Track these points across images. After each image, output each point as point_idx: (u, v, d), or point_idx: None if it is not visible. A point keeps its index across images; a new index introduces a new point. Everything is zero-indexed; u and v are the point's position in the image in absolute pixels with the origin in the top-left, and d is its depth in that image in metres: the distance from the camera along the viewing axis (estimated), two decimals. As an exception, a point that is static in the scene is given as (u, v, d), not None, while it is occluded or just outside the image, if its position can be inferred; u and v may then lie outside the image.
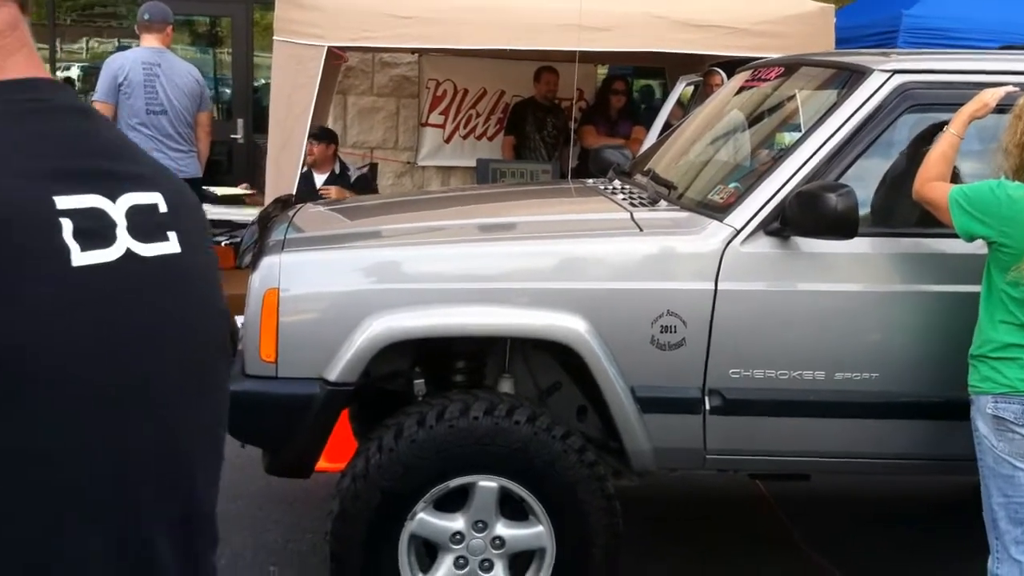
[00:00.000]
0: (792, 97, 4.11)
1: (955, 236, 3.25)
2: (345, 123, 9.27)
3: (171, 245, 1.15)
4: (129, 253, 1.10)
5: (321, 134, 7.18)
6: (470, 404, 3.32)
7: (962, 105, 3.36)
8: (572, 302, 3.34)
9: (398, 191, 8.94)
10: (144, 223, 1.13)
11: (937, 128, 3.40)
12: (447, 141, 9.25)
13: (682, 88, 6.31)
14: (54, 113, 1.11)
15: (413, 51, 8.71)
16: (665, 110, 6.29)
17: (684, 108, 6.65)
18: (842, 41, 7.00)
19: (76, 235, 1.05)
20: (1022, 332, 3.05)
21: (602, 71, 9.88)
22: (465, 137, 9.21)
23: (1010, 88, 3.33)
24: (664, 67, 8.84)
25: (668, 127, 5.99)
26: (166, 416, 1.14)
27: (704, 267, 3.37)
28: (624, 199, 3.91)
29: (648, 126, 8.37)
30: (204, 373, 1.20)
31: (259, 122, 9.19)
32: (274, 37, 6.43)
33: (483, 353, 3.69)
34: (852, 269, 3.43)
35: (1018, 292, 3.05)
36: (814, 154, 3.46)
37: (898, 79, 3.52)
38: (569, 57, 6.78)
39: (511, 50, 6.95)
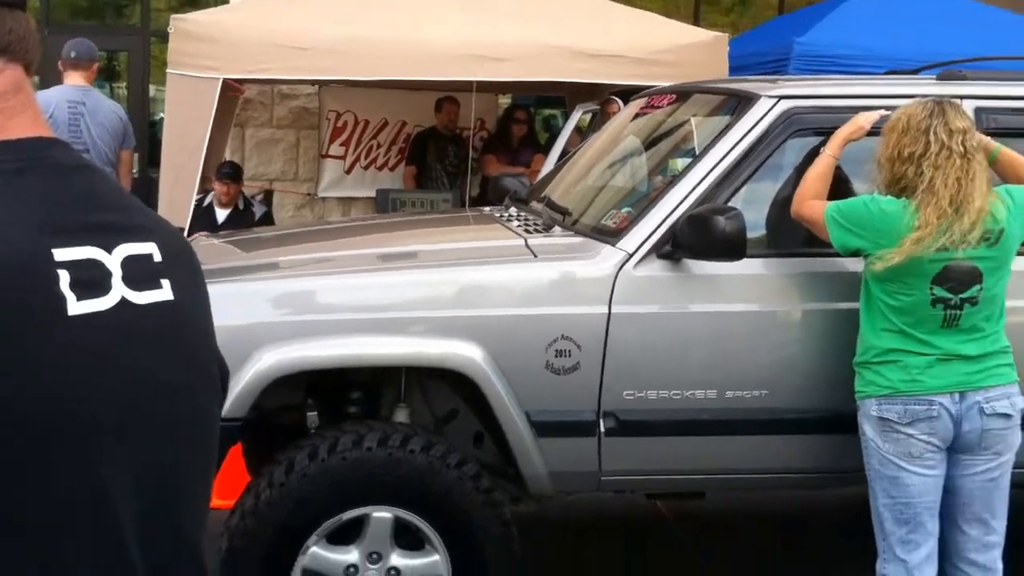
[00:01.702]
0: (685, 123, 4.16)
1: (839, 255, 3.33)
2: (243, 155, 9.16)
3: (164, 292, 1.22)
4: (123, 301, 1.17)
5: (233, 173, 7.07)
6: (363, 435, 3.27)
7: None
8: (467, 329, 3.32)
9: (297, 223, 8.84)
10: (138, 272, 1.20)
11: (817, 150, 3.47)
12: (348, 172, 9.19)
13: (579, 116, 6.38)
14: (54, 170, 1.18)
15: (313, 83, 8.65)
16: (562, 138, 6.35)
17: (582, 136, 6.71)
18: (736, 68, 7.14)
19: (73, 285, 1.12)
20: (901, 337, 3.15)
21: (504, 100, 9.93)
22: (366, 168, 9.16)
23: (883, 112, 3.42)
24: (565, 96, 8.93)
25: (565, 155, 6.03)
26: (157, 456, 1.20)
27: (597, 291, 3.38)
28: (519, 226, 3.92)
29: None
30: (194, 414, 1.27)
31: (156, 156, 9.01)
32: (168, 70, 6.34)
33: (378, 383, 3.64)
34: (741, 289, 3.47)
35: (895, 300, 3.14)
36: (704, 178, 3.50)
37: (784, 104, 3.59)
38: (470, 87, 6.81)
39: (412, 81, 6.95)
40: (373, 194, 8.61)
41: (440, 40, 6.14)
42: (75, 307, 1.11)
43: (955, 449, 3.16)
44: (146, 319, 1.19)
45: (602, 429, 3.39)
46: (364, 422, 3.40)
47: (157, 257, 1.23)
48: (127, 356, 1.17)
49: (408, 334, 3.34)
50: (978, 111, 3.62)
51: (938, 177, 3.06)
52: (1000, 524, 3.26)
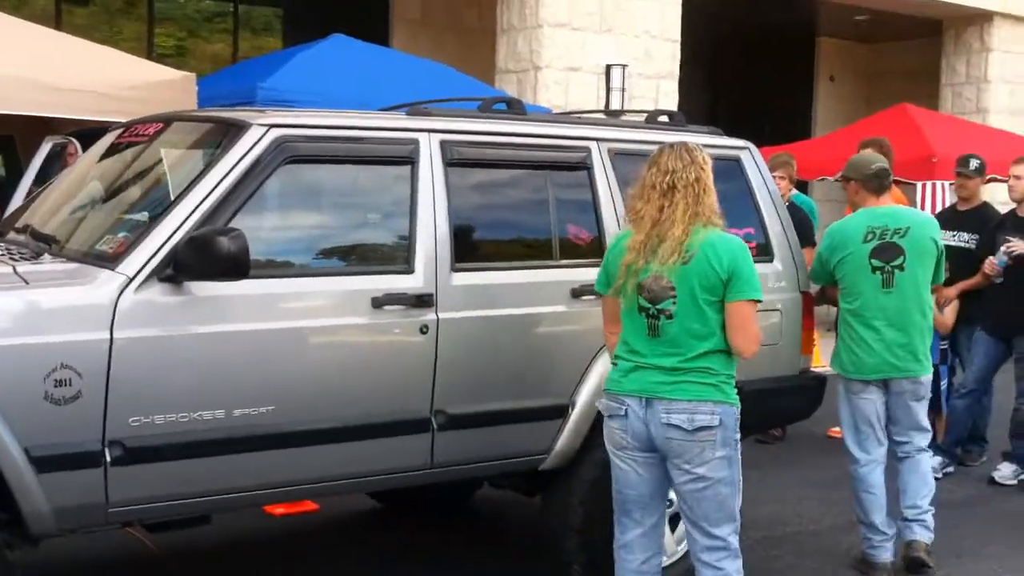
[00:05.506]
0: (174, 150, 4.14)
1: (343, 274, 3.60)
2: None
3: None
4: None
5: None
6: None
7: (335, 156, 3.71)
8: (-49, 363, 3.06)
9: None
10: None
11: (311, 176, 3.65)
12: None
13: (48, 149, 6.10)
14: None
15: None
16: (31, 171, 6.03)
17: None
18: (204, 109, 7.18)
19: None
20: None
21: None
22: None
23: None
24: (13, 134, 8.38)
25: (31, 190, 5.72)
26: None
27: (97, 317, 3.28)
28: (2, 255, 3.67)
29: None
30: None
31: None
32: None
33: None
34: (245, 309, 3.54)
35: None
36: (201, 203, 3.52)
37: (275, 133, 3.71)
38: None
39: None
40: None
41: None
42: None
43: (662, 455, 3.51)
44: None
45: (108, 459, 3.28)
46: None
47: None
48: None
49: None
50: (443, 143, 4.03)
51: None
52: (720, 531, 3.51)
